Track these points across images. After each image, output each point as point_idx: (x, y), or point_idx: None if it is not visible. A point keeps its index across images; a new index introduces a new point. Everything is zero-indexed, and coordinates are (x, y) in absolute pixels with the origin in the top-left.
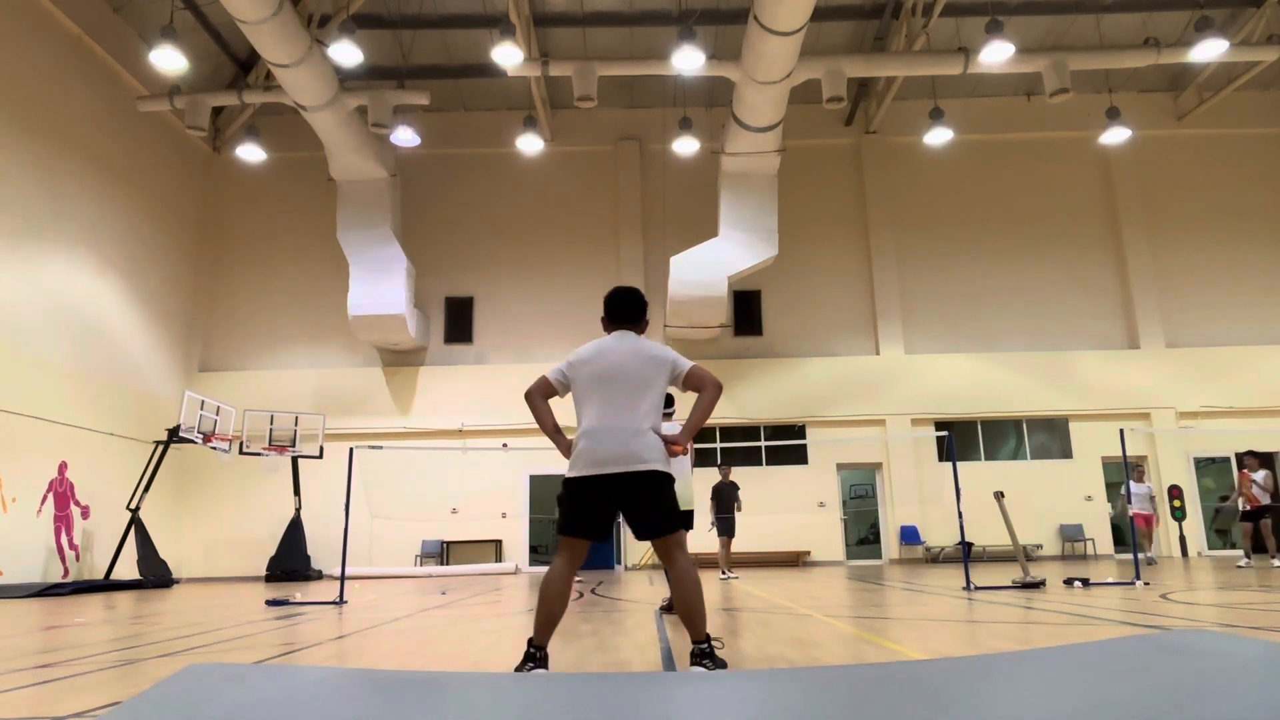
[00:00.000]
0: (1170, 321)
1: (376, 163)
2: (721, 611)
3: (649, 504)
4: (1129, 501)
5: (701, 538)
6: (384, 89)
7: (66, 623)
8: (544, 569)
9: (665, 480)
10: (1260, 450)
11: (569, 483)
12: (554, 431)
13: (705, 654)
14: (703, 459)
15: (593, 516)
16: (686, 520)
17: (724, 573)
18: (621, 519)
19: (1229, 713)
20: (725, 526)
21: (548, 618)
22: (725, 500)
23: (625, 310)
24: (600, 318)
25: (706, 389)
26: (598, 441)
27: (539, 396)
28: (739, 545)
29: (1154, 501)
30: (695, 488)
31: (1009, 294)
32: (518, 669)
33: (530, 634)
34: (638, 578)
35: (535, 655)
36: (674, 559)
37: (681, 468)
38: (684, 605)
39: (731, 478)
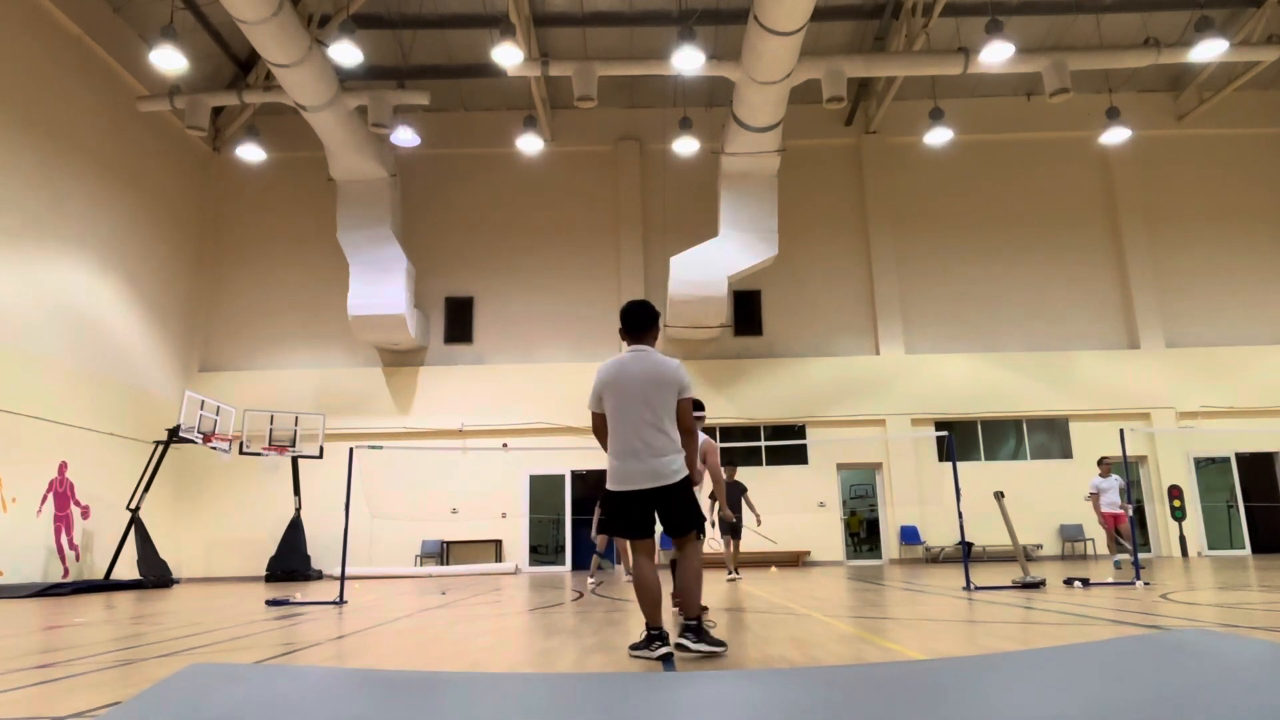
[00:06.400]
0: (1170, 321)
1: (376, 163)
2: (723, 611)
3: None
4: (1098, 501)
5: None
6: (384, 89)
7: (66, 623)
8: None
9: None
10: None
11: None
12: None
13: (693, 628)
14: None
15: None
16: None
17: (731, 572)
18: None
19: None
20: (728, 526)
21: (652, 601)
22: (728, 501)
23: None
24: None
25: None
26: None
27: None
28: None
29: (1123, 495)
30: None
31: (1009, 294)
32: (638, 648)
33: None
34: None
35: (657, 634)
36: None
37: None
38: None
39: (736, 478)
